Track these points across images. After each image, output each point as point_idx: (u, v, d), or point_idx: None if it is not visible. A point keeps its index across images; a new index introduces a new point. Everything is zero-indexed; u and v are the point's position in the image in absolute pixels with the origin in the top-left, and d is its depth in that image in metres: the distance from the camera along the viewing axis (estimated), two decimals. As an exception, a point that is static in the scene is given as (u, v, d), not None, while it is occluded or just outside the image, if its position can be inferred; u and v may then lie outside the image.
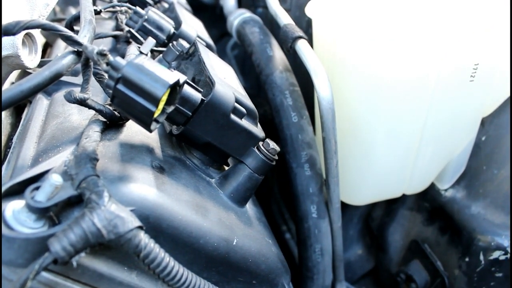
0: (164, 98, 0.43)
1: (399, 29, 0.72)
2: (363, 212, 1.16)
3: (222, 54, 1.54)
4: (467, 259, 0.85)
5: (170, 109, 0.47)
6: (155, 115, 0.44)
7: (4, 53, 0.59)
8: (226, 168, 0.60)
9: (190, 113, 0.51)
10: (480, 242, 0.83)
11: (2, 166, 0.56)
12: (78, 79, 0.68)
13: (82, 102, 0.49)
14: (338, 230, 0.81)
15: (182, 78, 0.46)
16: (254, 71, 1.34)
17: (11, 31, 0.47)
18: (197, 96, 0.51)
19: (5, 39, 0.59)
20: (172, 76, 0.43)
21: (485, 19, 0.71)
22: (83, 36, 0.54)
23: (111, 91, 0.43)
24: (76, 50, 0.49)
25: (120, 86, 0.42)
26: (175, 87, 0.45)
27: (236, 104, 0.54)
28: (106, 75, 0.51)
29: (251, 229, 0.55)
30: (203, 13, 1.49)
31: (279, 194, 1.28)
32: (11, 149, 0.61)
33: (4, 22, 0.57)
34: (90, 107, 0.50)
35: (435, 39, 0.68)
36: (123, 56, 0.76)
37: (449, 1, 0.75)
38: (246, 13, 1.03)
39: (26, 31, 0.52)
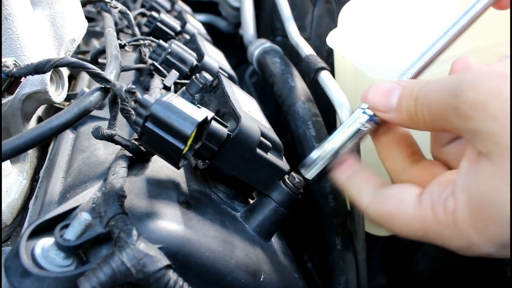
0: (192, 135, 0.43)
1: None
2: (387, 241, 1.14)
3: (240, 81, 1.55)
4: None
5: (198, 145, 0.47)
6: (183, 152, 0.44)
7: (32, 89, 0.61)
8: (251, 201, 0.60)
9: (217, 148, 0.51)
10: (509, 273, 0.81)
11: (30, 202, 0.57)
12: (103, 113, 0.69)
13: (110, 138, 0.49)
14: (363, 262, 0.80)
15: (210, 115, 0.46)
16: (273, 99, 1.35)
17: (41, 69, 0.48)
18: (223, 131, 0.51)
19: (34, 76, 0.60)
20: (200, 113, 0.43)
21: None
22: (110, 72, 0.55)
23: (139, 128, 0.44)
24: (103, 86, 0.49)
25: (149, 124, 0.43)
26: (203, 124, 0.45)
27: (262, 138, 0.54)
28: (133, 112, 0.52)
29: (278, 264, 0.54)
30: (222, 41, 1.51)
31: (301, 222, 1.27)
32: (38, 183, 0.61)
33: (33, 59, 0.59)
34: (117, 143, 0.50)
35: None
36: (146, 89, 0.77)
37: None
38: (266, 43, 1.04)
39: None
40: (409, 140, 0.50)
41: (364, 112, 0.50)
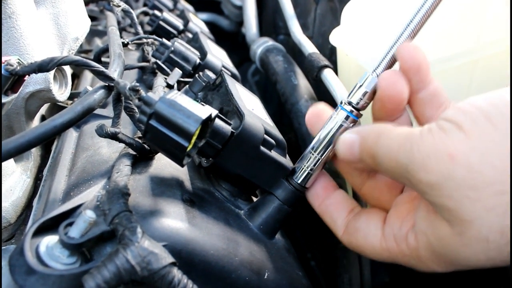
0: (196, 133, 0.43)
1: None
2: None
3: (243, 80, 1.55)
4: (501, 289, 0.83)
5: (201, 143, 0.47)
6: (187, 150, 0.44)
7: (36, 87, 0.61)
8: (255, 199, 0.60)
9: (220, 146, 0.51)
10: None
11: (34, 200, 0.57)
12: (106, 111, 0.69)
13: (114, 137, 0.49)
14: (366, 259, 0.80)
15: (214, 112, 0.46)
16: (276, 97, 1.35)
17: (45, 67, 0.48)
18: (227, 129, 0.51)
19: (37, 75, 0.60)
20: (204, 111, 0.43)
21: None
22: (113, 70, 0.55)
23: (143, 126, 0.44)
24: (107, 84, 0.50)
25: (153, 122, 0.42)
26: (207, 122, 0.45)
27: (266, 136, 0.54)
28: (137, 110, 0.52)
29: (282, 262, 0.54)
30: (224, 40, 1.51)
31: (304, 220, 1.26)
32: (42, 182, 0.61)
33: (36, 57, 0.59)
34: (121, 141, 0.50)
35: (463, 68, 0.68)
36: (149, 87, 0.77)
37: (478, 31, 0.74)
38: (269, 42, 1.04)
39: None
40: None
41: (342, 109, 0.51)
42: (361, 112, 0.51)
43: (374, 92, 0.50)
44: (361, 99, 0.50)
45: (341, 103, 0.52)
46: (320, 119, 0.53)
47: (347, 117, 0.51)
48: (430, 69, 0.47)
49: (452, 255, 0.40)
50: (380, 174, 0.51)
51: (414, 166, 0.39)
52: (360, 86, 0.50)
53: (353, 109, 0.51)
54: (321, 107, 0.54)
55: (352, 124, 0.51)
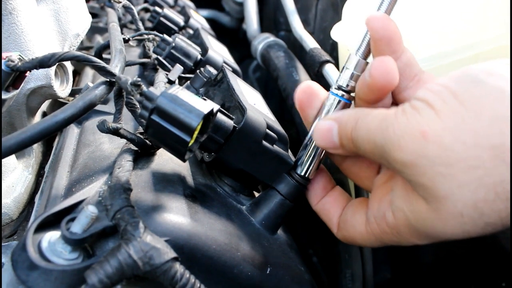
0: (198, 128, 0.43)
1: (425, 51, 0.72)
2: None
3: (244, 76, 1.55)
4: (503, 284, 0.83)
5: (203, 138, 0.47)
6: (189, 145, 0.44)
7: (37, 83, 0.61)
8: (257, 194, 0.60)
9: (223, 141, 0.51)
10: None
11: (36, 196, 0.57)
12: (107, 107, 0.69)
13: (115, 132, 0.49)
14: (368, 255, 0.80)
15: (216, 107, 0.46)
16: (277, 94, 1.35)
17: (46, 63, 0.48)
18: (229, 123, 0.51)
19: (38, 71, 0.60)
20: (206, 105, 0.43)
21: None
22: (115, 66, 0.55)
23: (144, 121, 0.44)
24: (108, 80, 0.49)
25: (155, 117, 0.42)
26: (209, 116, 0.45)
27: (268, 130, 0.54)
28: (138, 105, 0.51)
29: (284, 257, 0.54)
30: (225, 36, 1.51)
31: (305, 216, 1.26)
32: (44, 178, 0.61)
33: (38, 53, 0.59)
34: (122, 136, 0.50)
35: (465, 62, 0.67)
36: (151, 83, 0.76)
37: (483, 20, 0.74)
38: (270, 37, 1.04)
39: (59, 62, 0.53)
40: None
41: (333, 94, 0.52)
42: (352, 94, 0.51)
43: (361, 73, 0.50)
44: (350, 81, 0.50)
45: (331, 88, 0.52)
46: (312, 101, 0.54)
47: (339, 102, 0.51)
48: (402, 39, 0.47)
49: (429, 229, 0.41)
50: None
51: (390, 146, 0.40)
52: (347, 68, 0.50)
53: (344, 93, 0.51)
54: (313, 86, 0.54)
55: (345, 108, 0.52)
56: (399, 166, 0.40)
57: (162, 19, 1.04)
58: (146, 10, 1.21)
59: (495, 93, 0.37)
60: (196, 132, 0.43)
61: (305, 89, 0.54)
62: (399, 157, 0.40)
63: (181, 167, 0.54)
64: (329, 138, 0.49)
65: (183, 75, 0.76)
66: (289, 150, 0.59)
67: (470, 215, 0.38)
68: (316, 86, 0.54)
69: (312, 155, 0.54)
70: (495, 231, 0.39)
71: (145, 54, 0.84)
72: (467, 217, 0.38)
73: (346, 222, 0.52)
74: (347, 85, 0.51)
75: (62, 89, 0.66)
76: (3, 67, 0.49)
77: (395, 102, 0.50)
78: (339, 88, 0.51)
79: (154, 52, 0.80)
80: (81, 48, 1.05)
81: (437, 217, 0.39)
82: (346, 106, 0.52)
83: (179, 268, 0.40)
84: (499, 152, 0.36)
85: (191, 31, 1.10)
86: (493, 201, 0.36)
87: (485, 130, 0.36)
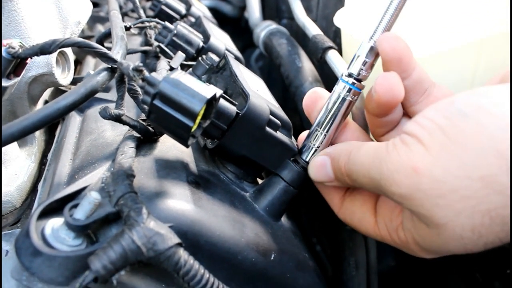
0: (201, 112, 0.42)
1: (428, 37, 0.71)
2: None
3: (246, 65, 1.54)
4: (508, 271, 0.82)
5: (206, 123, 0.46)
6: (192, 130, 0.43)
7: (39, 71, 0.60)
8: (260, 181, 0.60)
9: (226, 127, 0.51)
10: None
11: (39, 184, 0.57)
12: (109, 95, 0.69)
13: (117, 118, 0.49)
14: (372, 242, 0.80)
15: (218, 92, 0.45)
16: (279, 83, 1.34)
17: (47, 50, 0.47)
18: (232, 109, 0.50)
19: (39, 58, 0.60)
20: (208, 90, 0.43)
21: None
22: (116, 52, 0.54)
23: (147, 107, 0.43)
24: (110, 66, 0.49)
25: (157, 102, 0.42)
26: (211, 101, 0.44)
27: (271, 117, 0.53)
28: (140, 91, 0.51)
29: (288, 244, 0.54)
30: (227, 25, 1.50)
31: (309, 205, 1.26)
32: (47, 166, 0.61)
33: (39, 41, 0.58)
34: (125, 123, 0.50)
35: (470, 57, 0.67)
36: (153, 71, 0.76)
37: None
38: (272, 25, 1.03)
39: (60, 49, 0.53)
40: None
41: (343, 81, 0.51)
42: (363, 83, 0.51)
43: (373, 61, 0.50)
44: (361, 69, 0.50)
45: (342, 75, 0.51)
46: (317, 103, 0.55)
47: (349, 90, 0.51)
48: (412, 57, 0.49)
49: (435, 248, 0.44)
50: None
51: (386, 182, 0.42)
52: (359, 56, 0.50)
53: (354, 81, 0.50)
54: (319, 91, 0.56)
55: (355, 96, 0.51)
56: (397, 198, 0.42)
57: (163, 7, 1.03)
58: (147, -2, 1.21)
59: (480, 128, 0.38)
60: (199, 117, 0.43)
61: (311, 94, 0.56)
62: (396, 191, 0.41)
63: (184, 154, 0.54)
64: (323, 173, 0.52)
65: (185, 62, 0.76)
66: (292, 138, 0.58)
67: (469, 238, 0.40)
68: (321, 90, 0.56)
69: (320, 142, 0.54)
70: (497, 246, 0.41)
71: (146, 42, 0.83)
72: (467, 239, 0.40)
73: (353, 213, 0.54)
74: (359, 74, 0.50)
75: (64, 77, 0.66)
76: (3, 54, 0.49)
77: (407, 115, 0.52)
78: (350, 75, 0.50)
79: (155, 39, 0.79)
80: (82, 37, 1.04)
81: (440, 240, 0.42)
82: (356, 95, 0.51)
83: (183, 254, 0.40)
84: (488, 182, 0.37)
85: (192, 19, 1.09)
86: (489, 225, 0.38)
87: (473, 163, 0.38)
